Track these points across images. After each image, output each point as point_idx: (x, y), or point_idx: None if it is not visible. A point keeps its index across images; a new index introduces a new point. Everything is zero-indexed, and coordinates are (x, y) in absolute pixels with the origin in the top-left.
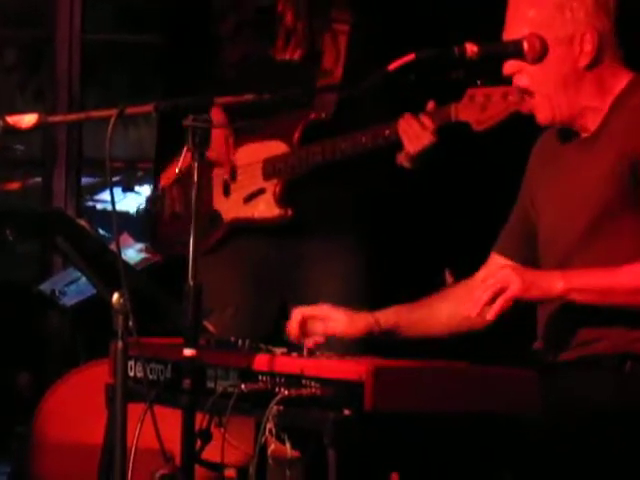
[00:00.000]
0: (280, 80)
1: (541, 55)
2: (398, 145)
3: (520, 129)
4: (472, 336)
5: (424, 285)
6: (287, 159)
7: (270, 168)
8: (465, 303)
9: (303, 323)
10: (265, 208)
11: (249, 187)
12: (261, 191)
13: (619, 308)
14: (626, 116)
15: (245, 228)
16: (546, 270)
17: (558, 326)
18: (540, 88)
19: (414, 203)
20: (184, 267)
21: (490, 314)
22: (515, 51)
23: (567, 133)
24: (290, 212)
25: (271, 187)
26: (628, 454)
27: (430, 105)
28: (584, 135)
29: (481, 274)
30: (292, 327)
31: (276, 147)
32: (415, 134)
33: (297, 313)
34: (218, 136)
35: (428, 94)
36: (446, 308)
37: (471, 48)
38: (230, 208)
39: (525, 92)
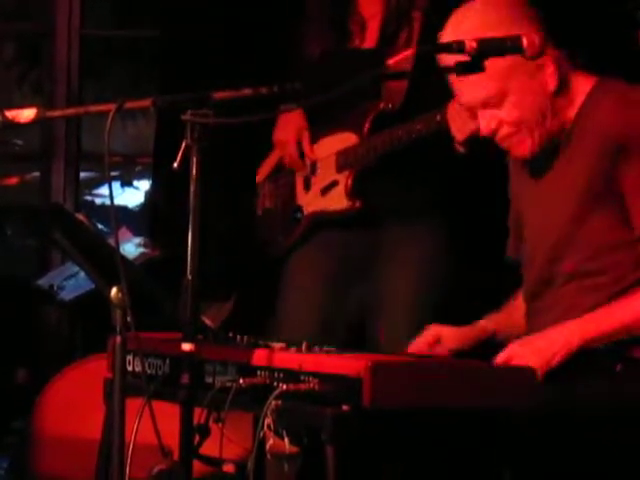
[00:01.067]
0: (357, 68)
1: (541, 51)
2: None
3: None
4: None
5: (500, 271)
6: (357, 150)
7: (342, 160)
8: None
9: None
10: (337, 200)
11: (325, 180)
12: (334, 183)
13: None
14: (598, 117)
15: (326, 221)
16: (555, 328)
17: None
18: (523, 125)
19: (488, 187)
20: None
21: None
22: (514, 47)
23: None
24: (358, 204)
25: (343, 179)
26: (624, 452)
27: None
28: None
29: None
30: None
31: (348, 139)
32: (462, 120)
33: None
34: (289, 139)
35: None
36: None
37: (469, 43)
38: (310, 202)
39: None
